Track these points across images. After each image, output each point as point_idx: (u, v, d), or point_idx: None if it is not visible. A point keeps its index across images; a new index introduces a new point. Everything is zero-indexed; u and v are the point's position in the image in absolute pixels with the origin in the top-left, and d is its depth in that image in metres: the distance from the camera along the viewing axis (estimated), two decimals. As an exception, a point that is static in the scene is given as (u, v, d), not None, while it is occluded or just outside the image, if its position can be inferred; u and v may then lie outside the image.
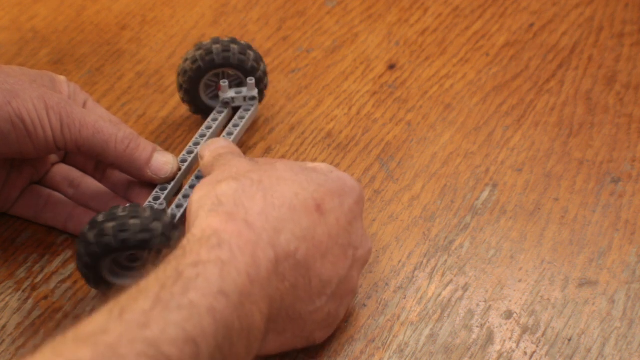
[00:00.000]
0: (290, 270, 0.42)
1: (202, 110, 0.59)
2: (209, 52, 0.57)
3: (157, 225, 0.46)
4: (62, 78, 0.54)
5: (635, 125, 0.61)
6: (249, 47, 0.58)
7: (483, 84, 0.64)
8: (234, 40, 0.58)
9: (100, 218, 0.47)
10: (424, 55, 0.67)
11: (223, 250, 0.40)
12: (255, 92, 0.58)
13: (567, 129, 0.61)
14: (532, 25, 0.69)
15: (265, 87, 0.60)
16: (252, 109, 0.58)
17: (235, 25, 0.69)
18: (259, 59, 0.58)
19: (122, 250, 0.46)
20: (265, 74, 0.59)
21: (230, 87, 0.58)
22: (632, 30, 0.68)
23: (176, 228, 0.47)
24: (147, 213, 0.46)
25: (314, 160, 0.59)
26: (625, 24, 0.69)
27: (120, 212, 0.46)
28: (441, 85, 0.64)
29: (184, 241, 0.41)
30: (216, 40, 0.57)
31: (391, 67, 0.66)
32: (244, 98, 0.58)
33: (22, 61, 0.66)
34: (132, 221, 0.46)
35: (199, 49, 0.57)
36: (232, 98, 0.58)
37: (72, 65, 0.66)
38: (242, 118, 0.57)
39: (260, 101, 0.59)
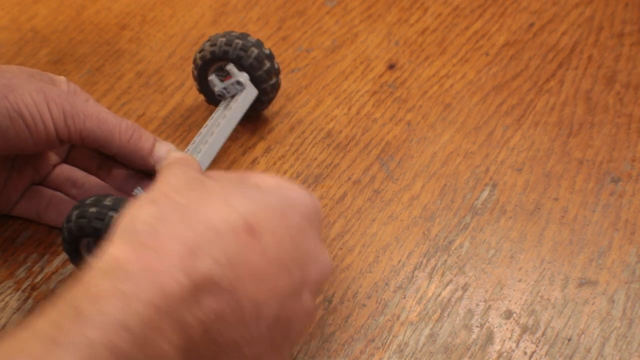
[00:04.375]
0: (212, 297, 0.38)
1: (214, 101, 0.60)
2: (213, 44, 0.58)
3: (112, 214, 0.46)
4: (62, 78, 0.54)
5: (635, 125, 0.61)
6: (256, 45, 0.58)
7: (483, 83, 0.64)
8: (241, 36, 0.58)
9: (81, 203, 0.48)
10: (424, 55, 0.67)
11: (126, 281, 0.36)
12: (240, 77, 0.57)
13: (567, 129, 0.61)
14: (532, 25, 0.69)
15: (273, 87, 0.59)
16: (241, 95, 0.57)
17: (235, 25, 0.69)
18: (262, 57, 0.58)
19: (83, 236, 0.47)
20: (270, 70, 0.58)
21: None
22: (632, 30, 0.68)
23: None
24: (109, 202, 0.47)
25: (314, 160, 0.59)
26: (625, 24, 0.69)
27: (96, 201, 0.47)
28: (441, 85, 0.64)
29: (85, 273, 0.37)
30: (224, 34, 0.58)
31: (391, 66, 0.66)
32: (234, 86, 0.58)
33: (21, 61, 0.66)
34: (91, 209, 0.47)
35: (208, 40, 0.59)
36: (224, 89, 0.58)
37: (72, 65, 0.66)
38: (229, 108, 0.57)
39: (266, 94, 0.59)
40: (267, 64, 0.58)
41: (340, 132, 0.61)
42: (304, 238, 0.43)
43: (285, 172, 0.58)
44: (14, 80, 0.49)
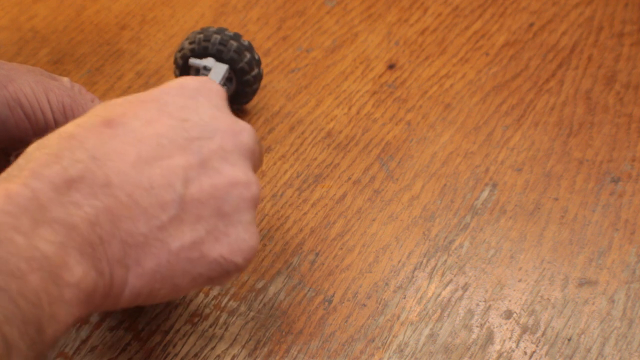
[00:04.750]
0: (85, 194, 0.37)
1: None
2: (192, 42, 0.59)
3: None
4: (66, 79, 0.54)
5: (635, 125, 0.61)
6: (234, 37, 0.58)
7: (483, 83, 0.64)
8: (219, 30, 0.58)
9: None
10: (424, 55, 0.67)
11: None
12: (206, 62, 0.57)
13: (566, 129, 0.61)
14: (531, 25, 0.69)
15: (255, 78, 0.59)
16: (210, 74, 0.57)
17: (235, 25, 0.69)
18: (241, 49, 0.58)
19: None
20: (251, 62, 0.58)
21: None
22: (631, 30, 0.68)
23: None
24: None
25: (314, 160, 0.59)
26: (625, 24, 0.69)
27: None
28: (441, 85, 0.64)
29: None
30: (201, 31, 0.59)
31: (391, 66, 0.66)
32: (203, 72, 0.58)
33: (21, 61, 0.66)
34: None
35: (187, 39, 0.59)
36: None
37: (72, 65, 0.66)
38: None
39: (249, 86, 0.59)
40: (248, 56, 0.58)
41: (340, 132, 0.61)
42: (192, 111, 0.41)
43: (285, 172, 0.58)
44: (13, 72, 0.49)
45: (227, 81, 0.59)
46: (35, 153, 0.38)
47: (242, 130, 0.42)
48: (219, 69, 0.57)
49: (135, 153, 0.39)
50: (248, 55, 0.58)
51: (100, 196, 0.37)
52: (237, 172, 0.41)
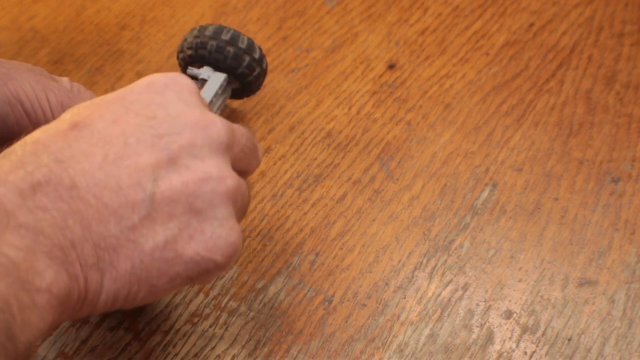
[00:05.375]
0: (50, 197, 0.36)
1: None
2: (189, 46, 0.58)
3: None
4: (65, 78, 0.54)
5: (635, 125, 0.61)
6: (231, 43, 0.57)
7: (483, 83, 0.64)
8: (216, 34, 0.57)
9: None
10: (424, 55, 0.67)
11: None
12: (203, 74, 0.57)
13: (566, 129, 0.61)
14: (532, 25, 0.69)
15: (258, 76, 0.59)
16: (205, 86, 0.57)
17: (235, 25, 0.69)
18: (239, 57, 0.57)
19: None
20: (251, 64, 0.58)
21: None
22: (632, 30, 0.68)
23: None
24: None
25: (314, 160, 0.59)
26: (625, 24, 0.69)
27: None
28: (441, 85, 0.64)
29: None
30: (199, 34, 0.58)
31: (391, 66, 0.66)
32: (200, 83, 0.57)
33: (21, 61, 0.66)
34: None
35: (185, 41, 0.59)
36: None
37: (72, 65, 0.66)
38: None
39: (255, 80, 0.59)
40: (247, 59, 0.57)
41: (340, 132, 0.61)
42: (159, 107, 0.40)
43: (285, 172, 0.58)
44: (13, 71, 0.49)
45: (227, 85, 0.58)
46: (1, 161, 0.37)
47: (212, 124, 0.41)
48: (216, 79, 0.57)
49: (101, 154, 0.38)
50: (247, 59, 0.57)
51: (67, 199, 0.37)
52: (209, 167, 0.40)
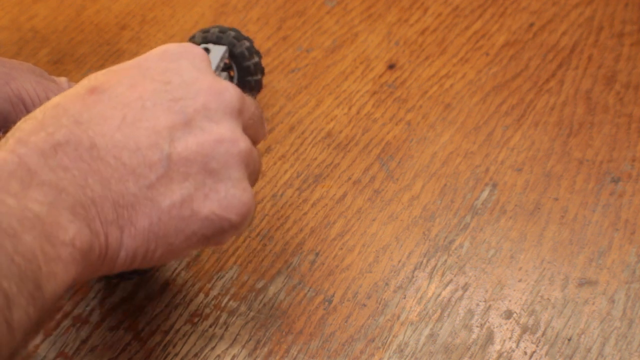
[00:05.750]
0: (71, 157, 0.37)
1: None
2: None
3: None
4: (64, 79, 0.54)
5: (635, 124, 0.61)
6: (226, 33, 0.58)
7: (483, 83, 0.64)
8: (220, 30, 0.58)
9: None
10: (424, 55, 0.67)
11: None
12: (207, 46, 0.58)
13: (566, 129, 0.61)
14: (532, 25, 0.69)
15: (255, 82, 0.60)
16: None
17: (235, 25, 0.69)
18: (239, 39, 0.58)
19: None
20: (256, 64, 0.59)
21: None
22: (632, 30, 0.68)
23: None
24: None
25: (314, 160, 0.59)
26: (625, 24, 0.69)
27: None
28: (441, 85, 0.64)
29: None
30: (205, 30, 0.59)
31: (391, 66, 0.66)
32: None
33: (21, 60, 0.66)
34: None
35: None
36: None
37: (72, 65, 0.66)
38: None
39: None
40: (247, 43, 0.58)
41: (340, 132, 0.61)
42: (174, 74, 0.42)
43: (285, 172, 0.58)
44: (15, 71, 0.49)
45: (228, 70, 0.59)
46: (21, 124, 0.38)
47: (225, 90, 0.42)
48: (218, 51, 0.57)
49: (119, 117, 0.39)
50: (247, 43, 0.59)
51: (87, 159, 0.38)
52: (222, 129, 0.41)
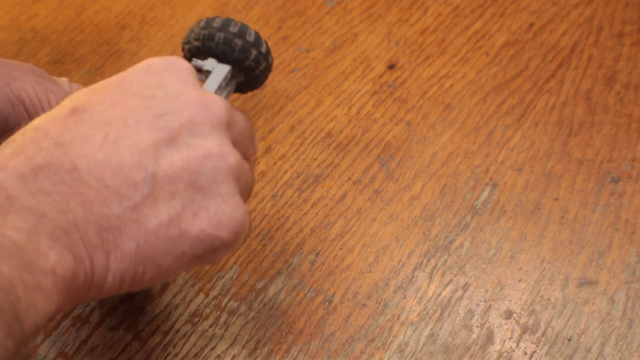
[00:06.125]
0: (51, 180, 0.36)
1: None
2: (196, 37, 0.58)
3: None
4: (64, 79, 0.54)
5: (635, 124, 0.61)
6: (239, 35, 0.57)
7: (483, 83, 0.64)
8: (224, 27, 0.57)
9: None
10: (424, 55, 0.67)
11: None
12: (208, 66, 0.57)
13: (567, 129, 0.61)
14: (532, 25, 0.69)
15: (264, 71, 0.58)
16: (209, 78, 0.56)
17: (235, 25, 0.69)
18: (246, 50, 0.57)
19: None
20: (258, 58, 0.58)
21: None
22: (632, 30, 0.68)
23: None
24: None
25: (314, 160, 0.59)
26: (625, 24, 0.69)
27: None
28: (441, 85, 0.64)
29: None
30: (206, 25, 0.57)
31: (391, 67, 0.66)
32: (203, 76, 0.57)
33: (21, 61, 0.66)
34: None
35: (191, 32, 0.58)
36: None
37: (72, 65, 0.66)
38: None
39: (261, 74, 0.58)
40: (254, 53, 0.57)
41: (340, 132, 0.61)
42: (158, 88, 0.40)
43: (285, 172, 0.58)
44: (15, 72, 0.49)
45: (232, 79, 0.58)
46: (2, 149, 0.38)
47: (212, 102, 0.41)
48: (221, 71, 0.57)
49: (101, 136, 0.38)
50: (254, 52, 0.57)
51: (68, 182, 0.37)
52: (210, 143, 0.40)
